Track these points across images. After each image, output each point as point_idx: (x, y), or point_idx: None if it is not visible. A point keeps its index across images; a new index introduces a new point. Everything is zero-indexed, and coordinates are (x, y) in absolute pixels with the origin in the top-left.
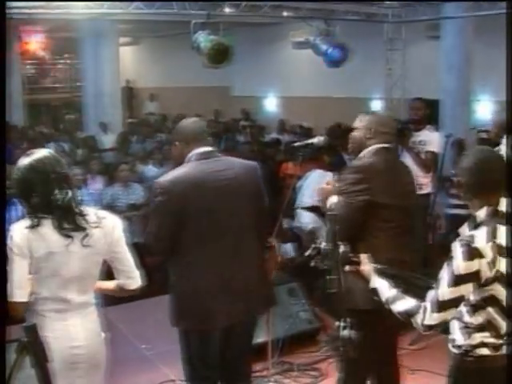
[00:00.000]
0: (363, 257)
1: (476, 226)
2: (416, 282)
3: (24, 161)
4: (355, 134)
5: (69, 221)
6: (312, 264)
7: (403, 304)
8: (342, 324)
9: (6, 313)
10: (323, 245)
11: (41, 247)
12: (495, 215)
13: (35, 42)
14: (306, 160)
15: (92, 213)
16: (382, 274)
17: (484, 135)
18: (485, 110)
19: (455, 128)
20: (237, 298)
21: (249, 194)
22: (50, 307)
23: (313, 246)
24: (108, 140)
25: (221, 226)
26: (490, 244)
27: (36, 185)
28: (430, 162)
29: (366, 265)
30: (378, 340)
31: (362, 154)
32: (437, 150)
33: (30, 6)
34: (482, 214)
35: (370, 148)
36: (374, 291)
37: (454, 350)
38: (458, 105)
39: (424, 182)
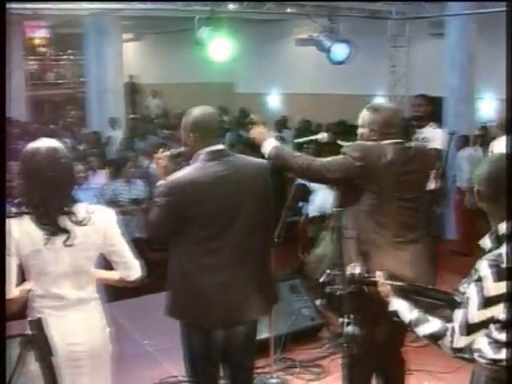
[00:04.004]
0: (379, 276)
1: (499, 240)
2: (436, 296)
3: (24, 149)
4: (362, 131)
5: (49, 220)
6: (327, 290)
7: (428, 327)
8: (346, 320)
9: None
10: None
11: (27, 245)
12: None
13: (39, 38)
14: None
15: (82, 210)
16: (400, 291)
17: (479, 132)
18: (488, 107)
19: (459, 125)
20: (238, 298)
21: (256, 198)
22: (46, 304)
23: (327, 272)
24: (117, 135)
25: (224, 229)
26: None
27: (21, 175)
28: (434, 159)
29: (384, 285)
30: (384, 337)
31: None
32: (440, 146)
33: (33, 2)
34: (504, 227)
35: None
36: (394, 313)
37: (481, 360)
38: (462, 102)
39: None
